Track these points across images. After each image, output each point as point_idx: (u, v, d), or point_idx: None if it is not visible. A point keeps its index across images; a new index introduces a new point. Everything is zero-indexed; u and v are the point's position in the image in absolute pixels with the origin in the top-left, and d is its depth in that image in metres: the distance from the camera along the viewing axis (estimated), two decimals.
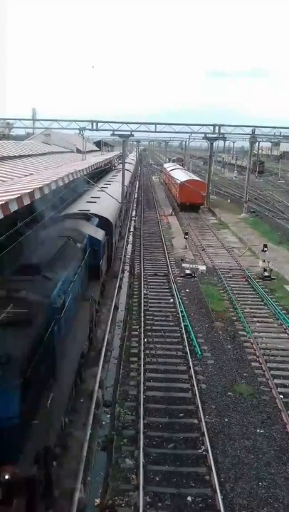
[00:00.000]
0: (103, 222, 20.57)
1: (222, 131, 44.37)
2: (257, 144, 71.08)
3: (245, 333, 17.15)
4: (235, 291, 21.69)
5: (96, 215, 20.56)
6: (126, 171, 39.29)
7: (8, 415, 6.81)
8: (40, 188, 13.08)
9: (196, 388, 13.15)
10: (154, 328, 17.37)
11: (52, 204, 18.69)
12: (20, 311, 8.12)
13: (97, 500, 9.35)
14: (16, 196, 10.63)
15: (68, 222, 17.80)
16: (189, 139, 72.71)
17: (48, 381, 8.99)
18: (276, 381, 13.75)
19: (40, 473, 7.39)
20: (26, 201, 11.29)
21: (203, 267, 25.20)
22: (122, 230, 32.63)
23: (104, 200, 25.95)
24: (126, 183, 37.59)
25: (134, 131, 39.72)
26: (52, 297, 9.71)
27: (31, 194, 11.90)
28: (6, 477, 6.42)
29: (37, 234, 15.62)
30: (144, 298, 20.43)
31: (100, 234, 18.27)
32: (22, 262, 11.46)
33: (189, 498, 9.41)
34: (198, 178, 53.36)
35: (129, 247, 30.91)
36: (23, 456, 7.05)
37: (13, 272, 10.56)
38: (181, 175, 53.23)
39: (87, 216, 19.73)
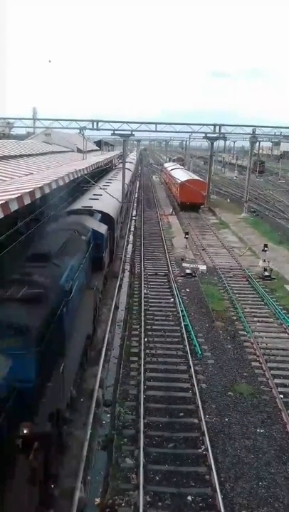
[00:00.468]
0: (105, 218, 21.33)
1: (222, 130, 44.36)
2: (257, 143, 71.07)
3: (245, 333, 17.15)
4: (235, 291, 21.69)
5: (99, 211, 21.33)
6: (126, 170, 39.36)
7: (25, 378, 7.70)
8: (41, 188, 13.08)
9: (196, 388, 13.15)
10: (154, 327, 17.37)
11: (58, 200, 20.06)
12: (35, 291, 9.08)
13: (98, 500, 9.35)
14: (17, 196, 10.62)
15: (73, 217, 18.76)
16: (190, 138, 72.70)
17: (59, 353, 9.94)
18: (276, 381, 13.75)
19: (53, 430, 8.47)
20: (27, 200, 11.28)
21: (203, 267, 25.20)
22: (122, 229, 32.67)
23: (106, 197, 26.61)
24: (126, 181, 37.89)
25: (134, 130, 39.72)
26: (61, 281, 10.80)
27: (32, 193, 11.89)
28: (25, 431, 7.38)
29: (45, 227, 16.78)
30: (145, 297, 20.43)
31: (102, 228, 19.15)
32: (33, 251, 12.34)
33: (189, 498, 9.41)
34: (199, 178, 53.33)
35: (130, 246, 30.90)
36: (39, 415, 8.07)
37: (27, 260, 11.55)
38: (181, 174, 53.22)
39: (90, 212, 20.59)
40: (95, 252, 17.13)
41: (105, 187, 30.71)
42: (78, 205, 23.29)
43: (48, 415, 8.34)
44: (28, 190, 11.79)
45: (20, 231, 14.33)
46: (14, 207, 10.22)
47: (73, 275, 12.09)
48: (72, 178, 19.83)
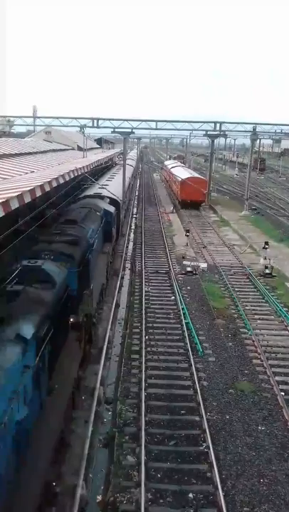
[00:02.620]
0: (113, 201, 26.19)
1: (223, 128, 44.34)
2: (258, 141, 70.91)
3: (246, 331, 17.15)
4: (236, 289, 21.68)
5: (107, 197, 26.28)
6: (127, 166, 39.63)
7: (72, 288, 11.77)
8: (41, 186, 13.11)
9: (197, 385, 13.17)
10: (155, 325, 17.37)
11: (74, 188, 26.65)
12: (73, 238, 13.84)
13: (99, 497, 9.37)
14: (17, 194, 10.63)
15: (89, 199, 24.11)
16: (190, 136, 72.63)
17: (88, 279, 14.41)
18: (277, 378, 13.75)
19: (88, 322, 13.47)
20: (27, 199, 11.32)
21: (204, 265, 25.21)
22: (123, 227, 32.81)
23: (112, 187, 30.90)
24: (128, 176, 39.94)
25: (135, 128, 39.64)
26: (87, 236, 15.55)
27: (32, 191, 11.92)
28: (72, 320, 11.26)
29: (71, 204, 23.18)
30: (146, 295, 20.43)
31: (111, 208, 23.88)
32: (66, 217, 17.51)
33: (191, 495, 9.43)
34: (200, 176, 53.28)
35: (130, 244, 30.88)
36: (79, 312, 12.26)
37: (62, 222, 16.51)
38: (182, 172, 53.17)
39: (101, 196, 25.91)
40: (106, 227, 21.53)
41: (111, 179, 35.83)
42: (90, 192, 28.04)
43: (84, 314, 12.85)
44: (29, 188, 11.82)
45: (56, 205, 20.12)
46: (15, 205, 10.23)
47: (93, 235, 16.92)
48: (72, 176, 19.92)
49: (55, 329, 9.15)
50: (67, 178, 18.50)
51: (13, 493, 6.47)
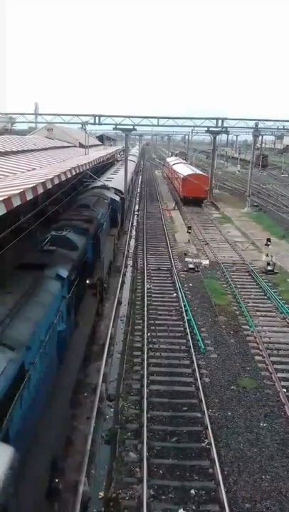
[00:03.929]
0: (118, 192, 30.13)
1: (225, 124, 44.17)
2: (260, 137, 70.68)
3: (248, 327, 17.16)
4: (238, 285, 21.68)
5: (113, 188, 30.24)
6: (129, 161, 39.90)
7: (88, 256, 14.70)
8: (43, 183, 13.11)
9: (199, 382, 13.19)
10: (157, 322, 17.39)
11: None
12: (87, 218, 17.16)
13: (101, 493, 9.41)
14: (19, 191, 10.63)
15: (97, 189, 27.85)
16: (192, 132, 72.44)
17: (99, 251, 17.35)
18: (279, 375, 13.77)
19: (101, 284, 16.65)
20: (29, 196, 11.32)
21: (206, 261, 25.17)
22: (124, 224, 32.91)
23: (116, 180, 34.33)
24: (130, 171, 41.66)
25: (136, 125, 39.56)
26: (98, 217, 18.86)
27: (34, 189, 11.92)
28: (88, 282, 14.50)
29: (83, 193, 27.48)
30: (148, 292, 20.44)
31: (117, 197, 27.90)
32: (80, 203, 21.42)
33: (193, 491, 9.46)
34: (201, 172, 53.14)
35: (132, 241, 30.88)
36: (94, 275, 15.49)
37: (77, 206, 20.35)
38: (184, 169, 53.06)
39: (107, 187, 29.67)
40: (112, 213, 25.12)
41: (114, 174, 38.93)
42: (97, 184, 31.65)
43: (97, 278, 15.78)
44: (31, 185, 11.83)
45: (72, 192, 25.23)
46: (17, 202, 10.23)
47: (103, 217, 20.08)
48: (74, 173, 19.93)
49: (79, 280, 12.10)
50: (70, 175, 18.51)
51: (55, 383, 9.18)
